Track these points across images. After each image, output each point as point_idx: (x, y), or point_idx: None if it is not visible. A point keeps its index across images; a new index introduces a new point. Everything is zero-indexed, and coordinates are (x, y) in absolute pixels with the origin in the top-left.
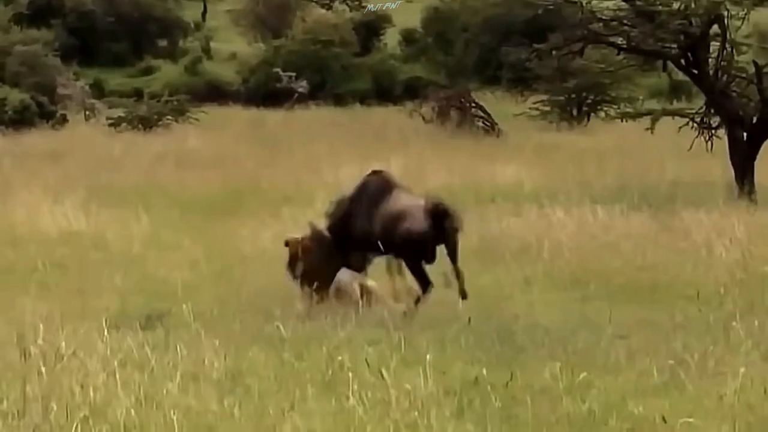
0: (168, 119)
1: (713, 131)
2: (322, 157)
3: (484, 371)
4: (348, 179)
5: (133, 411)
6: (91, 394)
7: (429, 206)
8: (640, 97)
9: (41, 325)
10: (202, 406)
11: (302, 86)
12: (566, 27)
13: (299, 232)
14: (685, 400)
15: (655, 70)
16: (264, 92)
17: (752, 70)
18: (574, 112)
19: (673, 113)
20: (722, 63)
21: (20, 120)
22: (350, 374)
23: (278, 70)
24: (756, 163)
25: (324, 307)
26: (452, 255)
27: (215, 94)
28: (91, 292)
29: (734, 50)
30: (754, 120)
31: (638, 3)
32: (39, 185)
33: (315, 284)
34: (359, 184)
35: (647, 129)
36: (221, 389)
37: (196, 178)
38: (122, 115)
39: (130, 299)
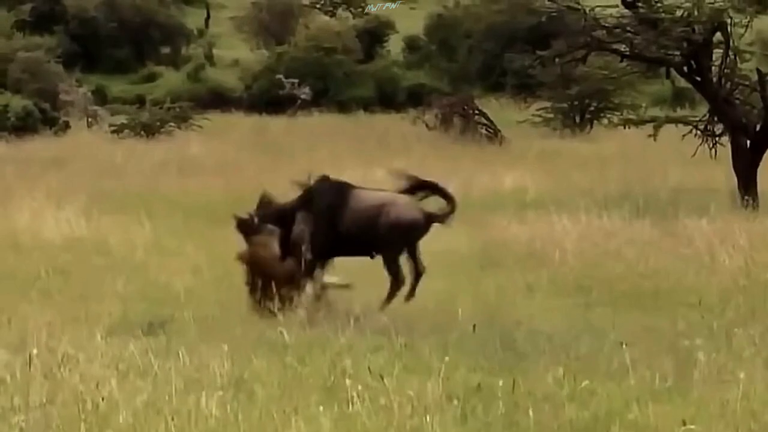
0: (171, 126)
1: (717, 139)
2: (325, 164)
3: (487, 378)
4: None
5: (136, 417)
6: (94, 400)
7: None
8: (643, 104)
9: (44, 331)
10: (204, 412)
11: (305, 93)
12: (569, 34)
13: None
14: (689, 407)
15: (658, 77)
16: (267, 99)
17: (755, 77)
18: (577, 119)
19: (676, 121)
20: (725, 70)
21: (23, 127)
22: (353, 380)
23: (281, 76)
24: (759, 170)
25: (323, 312)
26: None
27: (218, 100)
28: (93, 298)
29: (737, 58)
30: (758, 127)
31: (641, 10)
32: (42, 191)
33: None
34: (308, 191)
35: (650, 136)
36: (224, 395)
37: (198, 185)
38: (125, 121)
39: (132, 305)
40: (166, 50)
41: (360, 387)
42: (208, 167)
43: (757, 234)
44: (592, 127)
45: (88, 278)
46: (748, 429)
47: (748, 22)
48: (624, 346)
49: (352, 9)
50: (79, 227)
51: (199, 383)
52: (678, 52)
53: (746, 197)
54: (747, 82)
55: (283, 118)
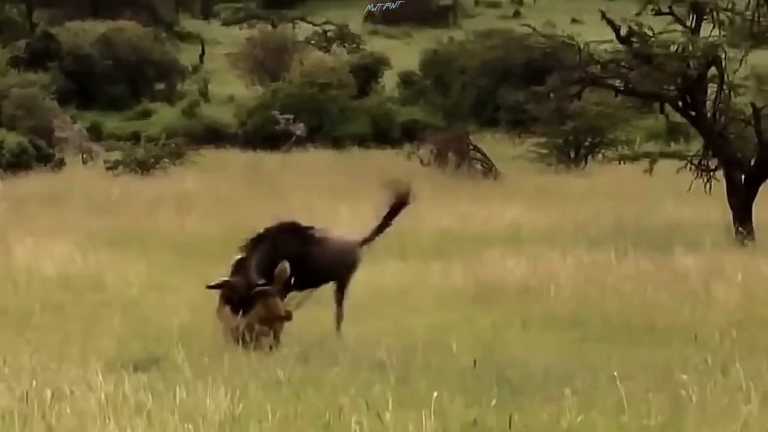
0: (165, 162)
1: (711, 173)
2: (320, 199)
3: (483, 413)
4: (345, 220)
5: None
6: None
7: (359, 239)
8: (637, 139)
9: (39, 368)
10: None
11: (300, 129)
12: (564, 69)
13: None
14: None
15: (653, 112)
16: (262, 135)
17: (750, 111)
18: (572, 154)
19: (671, 155)
20: (720, 105)
21: (17, 163)
22: (350, 416)
23: (276, 112)
24: (754, 204)
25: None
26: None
27: (213, 136)
28: (89, 334)
29: (732, 92)
30: (752, 162)
31: (636, 45)
32: (37, 228)
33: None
34: (275, 233)
35: (645, 171)
36: None
37: (193, 221)
38: (120, 158)
39: (127, 342)
40: (161, 86)
41: (356, 423)
42: (203, 203)
43: (752, 269)
44: (586, 162)
45: (83, 315)
46: None
47: (743, 56)
48: (619, 381)
49: (346, 44)
50: (75, 264)
51: (194, 420)
52: (673, 87)
53: (741, 232)
54: (742, 117)
55: (278, 154)
